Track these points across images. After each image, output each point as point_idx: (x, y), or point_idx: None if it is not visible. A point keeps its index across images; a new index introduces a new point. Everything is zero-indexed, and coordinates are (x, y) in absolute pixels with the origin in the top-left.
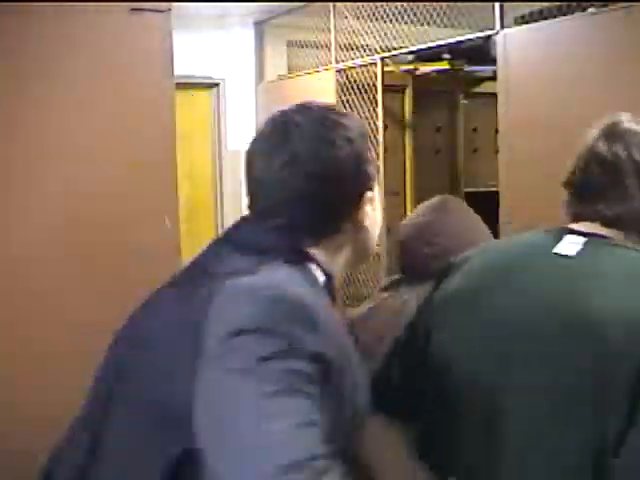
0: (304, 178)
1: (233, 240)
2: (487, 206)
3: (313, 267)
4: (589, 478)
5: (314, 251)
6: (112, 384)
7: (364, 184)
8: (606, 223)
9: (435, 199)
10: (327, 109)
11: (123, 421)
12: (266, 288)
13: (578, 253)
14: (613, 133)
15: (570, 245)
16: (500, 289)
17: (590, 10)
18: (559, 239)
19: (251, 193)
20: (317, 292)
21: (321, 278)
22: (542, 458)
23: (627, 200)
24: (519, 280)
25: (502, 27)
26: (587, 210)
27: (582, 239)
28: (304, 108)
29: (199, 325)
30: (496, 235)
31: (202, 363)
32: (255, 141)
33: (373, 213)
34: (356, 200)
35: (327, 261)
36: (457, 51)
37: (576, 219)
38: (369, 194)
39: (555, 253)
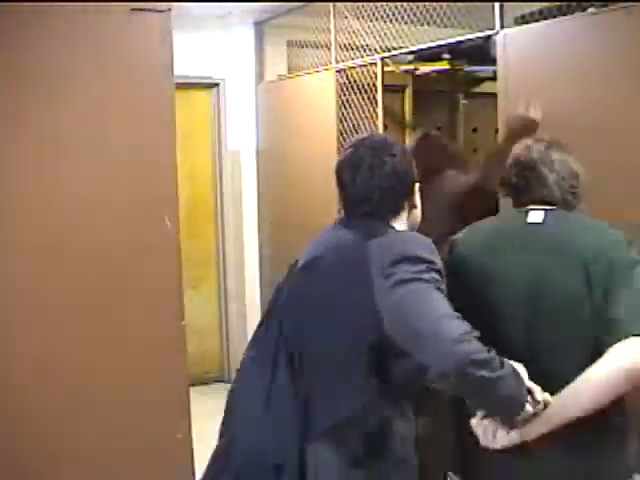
0: (382, 179)
1: (346, 226)
2: (488, 206)
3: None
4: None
5: (392, 222)
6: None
7: (412, 181)
8: (546, 202)
9: None
10: (382, 137)
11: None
12: (405, 235)
13: (543, 220)
14: (529, 147)
15: (536, 216)
16: (507, 247)
17: (590, 10)
18: (527, 214)
19: (346, 192)
20: None
21: None
22: (565, 331)
23: (548, 186)
24: (518, 240)
25: (502, 27)
26: (533, 196)
27: (541, 212)
28: (369, 137)
29: (363, 260)
30: None
31: (376, 279)
32: (344, 160)
33: (417, 198)
34: (409, 191)
35: (398, 227)
36: (457, 51)
37: (526, 203)
38: (415, 187)
39: (529, 222)
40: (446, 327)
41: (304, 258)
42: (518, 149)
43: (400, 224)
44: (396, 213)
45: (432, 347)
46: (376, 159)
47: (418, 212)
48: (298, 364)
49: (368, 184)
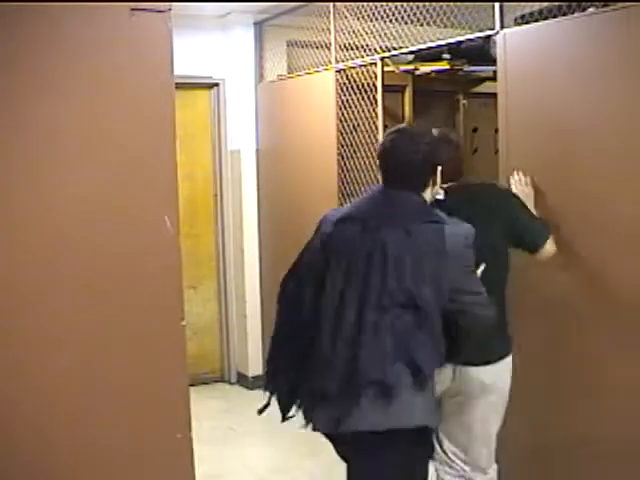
0: (417, 162)
1: (395, 201)
2: None
3: None
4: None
5: (422, 194)
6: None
7: (438, 163)
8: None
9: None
10: (419, 129)
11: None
12: (462, 228)
13: (444, 198)
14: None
15: (439, 194)
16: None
17: (590, 10)
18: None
19: (388, 171)
20: None
21: None
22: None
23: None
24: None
25: (502, 27)
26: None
27: (442, 191)
28: (404, 129)
29: (439, 238)
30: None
31: (450, 259)
32: (388, 145)
33: (438, 177)
34: (435, 171)
35: (426, 197)
36: (457, 51)
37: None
38: (438, 168)
39: (436, 199)
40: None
41: (358, 215)
42: None
43: (426, 195)
44: (425, 187)
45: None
46: (413, 146)
47: (437, 188)
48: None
49: (406, 166)
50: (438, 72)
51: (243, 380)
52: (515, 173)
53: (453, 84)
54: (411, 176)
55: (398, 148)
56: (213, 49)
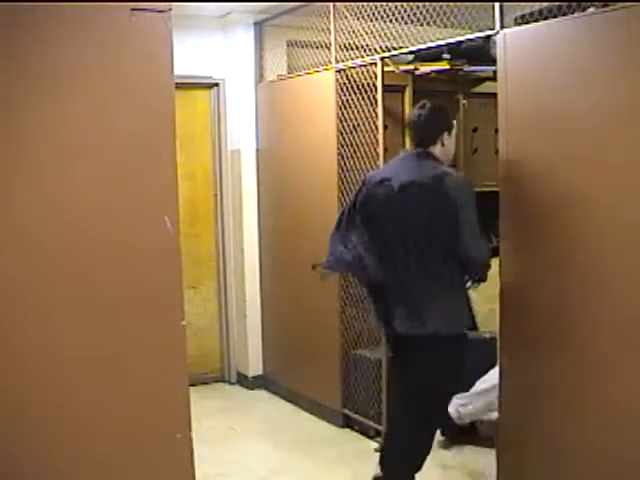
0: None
1: (420, 157)
2: (487, 206)
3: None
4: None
5: (432, 150)
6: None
7: (442, 129)
8: None
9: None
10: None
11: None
12: (463, 178)
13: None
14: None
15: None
16: None
17: (590, 10)
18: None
19: (414, 136)
20: None
21: None
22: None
23: None
24: None
25: (502, 27)
26: None
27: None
28: (425, 104)
29: (441, 184)
30: (497, 233)
31: (459, 200)
32: (413, 115)
33: (448, 139)
34: (442, 133)
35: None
36: (457, 51)
37: None
38: (444, 133)
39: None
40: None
41: (396, 179)
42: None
43: (435, 152)
44: (433, 145)
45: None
46: (421, 116)
47: (446, 150)
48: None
49: (421, 129)
50: (438, 72)
51: (243, 380)
52: None
53: (453, 84)
54: (423, 137)
55: (417, 116)
56: (213, 49)
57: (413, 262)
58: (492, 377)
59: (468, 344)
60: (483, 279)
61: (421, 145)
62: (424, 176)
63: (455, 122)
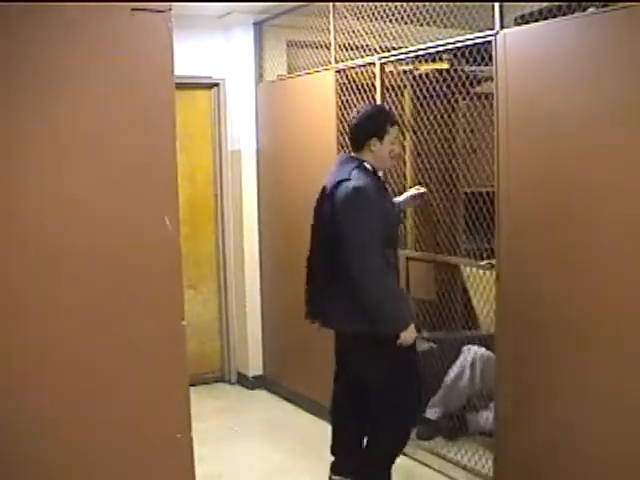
0: (357, 132)
1: (344, 162)
2: (486, 206)
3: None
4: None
5: (359, 155)
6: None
7: (370, 135)
8: None
9: None
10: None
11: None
12: (350, 188)
13: None
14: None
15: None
16: None
17: (590, 10)
18: None
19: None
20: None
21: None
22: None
23: None
24: None
25: (502, 27)
26: None
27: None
28: (361, 109)
29: (335, 192)
30: (494, 234)
31: (341, 210)
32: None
33: (378, 146)
34: (368, 139)
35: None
36: (457, 51)
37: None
38: (371, 139)
39: None
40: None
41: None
42: None
43: (364, 157)
44: (360, 150)
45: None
46: (354, 119)
47: (377, 156)
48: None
49: (350, 133)
50: (438, 72)
51: (243, 380)
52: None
53: (453, 84)
54: (352, 140)
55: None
56: (213, 49)
57: (328, 267)
58: (454, 369)
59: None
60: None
61: (352, 149)
62: (331, 182)
63: (392, 129)
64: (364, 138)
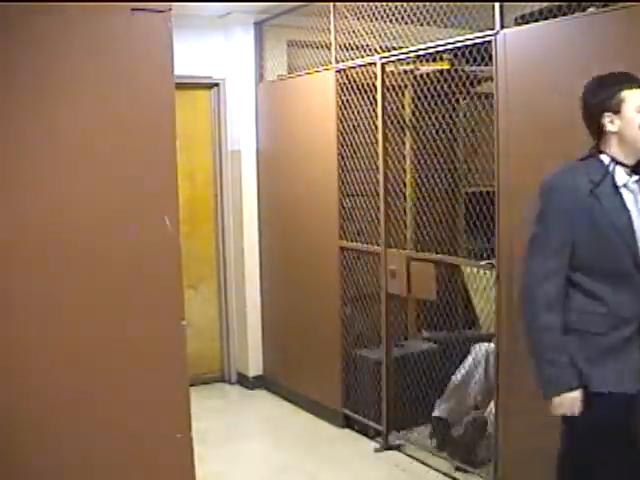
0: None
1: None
2: (487, 206)
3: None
4: None
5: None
6: None
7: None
8: None
9: None
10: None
11: None
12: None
13: None
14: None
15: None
16: None
17: (590, 10)
18: None
19: None
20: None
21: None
22: None
23: None
24: None
25: (502, 27)
26: None
27: None
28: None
29: None
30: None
31: None
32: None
33: (604, 123)
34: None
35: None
36: (457, 51)
37: None
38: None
39: None
40: None
41: None
42: None
43: (604, 148)
44: (595, 137)
45: None
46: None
47: (622, 131)
48: None
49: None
50: (438, 72)
51: (243, 380)
52: None
53: (453, 84)
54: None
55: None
56: (213, 49)
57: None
58: (461, 370)
59: None
60: None
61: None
62: None
63: (631, 93)
64: (597, 115)
